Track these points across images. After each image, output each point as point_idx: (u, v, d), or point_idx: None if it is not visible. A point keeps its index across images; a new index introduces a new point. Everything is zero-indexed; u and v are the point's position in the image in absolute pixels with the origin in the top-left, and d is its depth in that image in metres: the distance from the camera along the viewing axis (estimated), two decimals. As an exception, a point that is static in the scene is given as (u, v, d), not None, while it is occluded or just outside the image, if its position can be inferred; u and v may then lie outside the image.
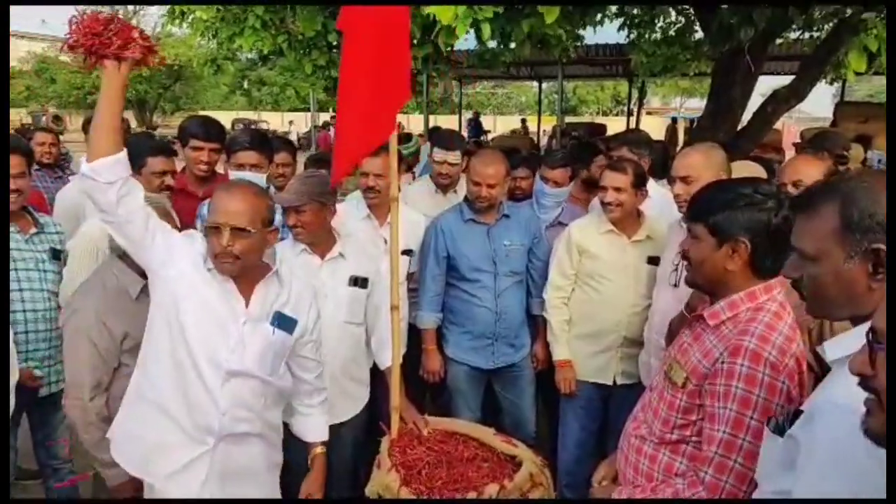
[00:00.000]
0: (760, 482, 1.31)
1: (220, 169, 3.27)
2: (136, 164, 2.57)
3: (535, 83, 18.49)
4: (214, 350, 1.87)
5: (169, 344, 1.88)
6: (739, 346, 1.49)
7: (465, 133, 17.67)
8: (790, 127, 13.68)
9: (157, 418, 1.90)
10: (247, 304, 1.93)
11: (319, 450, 2.22)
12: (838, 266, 1.15)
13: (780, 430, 1.23)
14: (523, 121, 23.18)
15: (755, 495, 1.35)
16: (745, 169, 2.91)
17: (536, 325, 3.06)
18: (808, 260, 1.21)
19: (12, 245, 2.57)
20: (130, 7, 28.61)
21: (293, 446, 2.23)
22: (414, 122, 25.77)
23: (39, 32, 33.29)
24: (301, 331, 2.06)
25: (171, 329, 1.87)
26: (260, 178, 2.82)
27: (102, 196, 1.74)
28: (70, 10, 1.73)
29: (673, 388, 1.65)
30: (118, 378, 2.13)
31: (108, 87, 1.76)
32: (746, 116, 6.54)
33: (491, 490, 2.02)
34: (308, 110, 23.69)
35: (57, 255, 2.71)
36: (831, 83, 10.30)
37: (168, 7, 6.16)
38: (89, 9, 1.76)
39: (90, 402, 2.06)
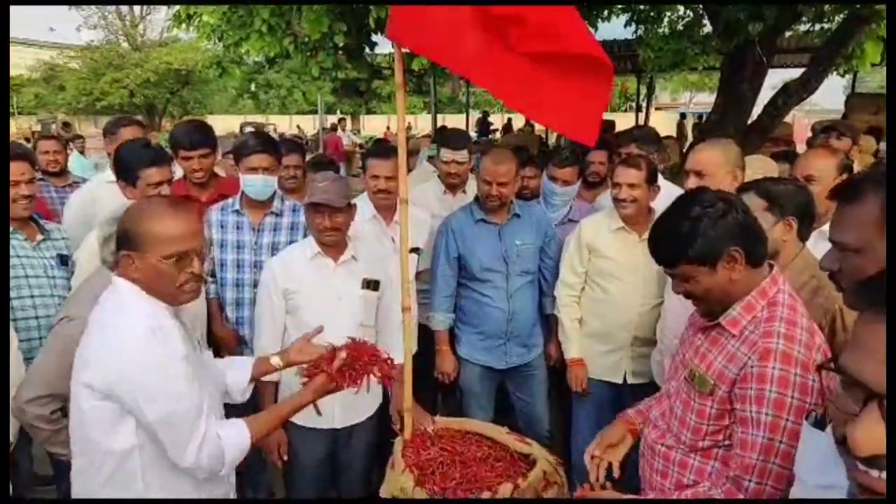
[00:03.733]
0: (802, 476, 1.26)
1: (220, 171, 3.25)
2: (131, 178, 2.56)
3: (543, 81, 18.39)
4: None
5: None
6: (769, 350, 1.48)
7: (473, 133, 17.62)
8: (801, 119, 13.55)
9: None
10: None
11: None
12: (881, 257, 1.11)
13: (820, 425, 1.20)
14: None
15: (794, 490, 1.30)
16: (758, 164, 2.88)
17: (549, 323, 3.04)
18: (850, 251, 1.18)
19: (21, 254, 2.58)
20: (137, 10, 28.90)
21: None
22: (422, 122, 25.74)
23: (48, 40, 33.54)
24: None
25: None
26: (273, 181, 2.83)
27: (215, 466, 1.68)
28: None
29: (701, 396, 1.62)
30: None
31: (300, 398, 1.91)
32: (756, 110, 6.48)
33: (505, 489, 2.00)
34: (315, 112, 23.75)
35: (65, 261, 2.71)
36: (843, 75, 10.17)
37: (174, 10, 6.17)
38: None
39: (25, 405, 1.94)
